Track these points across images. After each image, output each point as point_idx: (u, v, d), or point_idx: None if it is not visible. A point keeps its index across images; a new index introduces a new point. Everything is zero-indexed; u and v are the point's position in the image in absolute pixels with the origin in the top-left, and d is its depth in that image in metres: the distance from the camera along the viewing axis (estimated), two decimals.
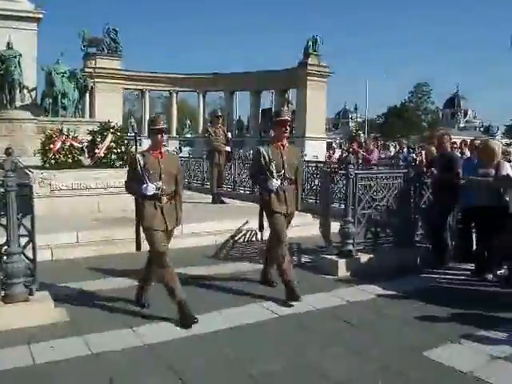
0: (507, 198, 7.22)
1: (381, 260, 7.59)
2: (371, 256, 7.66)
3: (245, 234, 9.93)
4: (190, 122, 61.63)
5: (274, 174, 6.23)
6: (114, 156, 11.52)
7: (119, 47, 49.34)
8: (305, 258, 8.48)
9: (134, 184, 5.57)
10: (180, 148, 45.82)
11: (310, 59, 47.90)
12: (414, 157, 12.47)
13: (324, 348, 4.78)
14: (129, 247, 8.54)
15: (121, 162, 11.53)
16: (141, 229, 5.65)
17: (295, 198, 6.51)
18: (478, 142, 9.04)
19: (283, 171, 6.29)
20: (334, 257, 7.62)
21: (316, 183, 14.13)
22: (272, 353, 4.65)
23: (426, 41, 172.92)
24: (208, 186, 16.13)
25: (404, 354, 4.67)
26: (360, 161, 14.72)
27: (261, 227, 6.75)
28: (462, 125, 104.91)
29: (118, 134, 11.85)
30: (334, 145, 54.69)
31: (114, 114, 31.85)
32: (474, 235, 8.10)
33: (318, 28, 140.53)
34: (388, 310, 5.90)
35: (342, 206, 9.42)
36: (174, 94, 56.16)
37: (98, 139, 11.53)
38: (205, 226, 9.91)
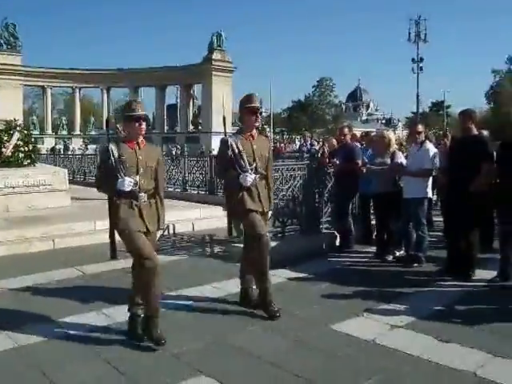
0: (401, 184, 7.84)
1: (290, 246, 8.02)
2: (280, 243, 8.07)
3: None
4: (94, 118, 60.43)
5: (248, 168, 5.48)
6: (21, 154, 11.37)
7: (18, 42, 47.62)
8: (217, 248, 8.81)
9: (106, 180, 4.79)
10: (86, 146, 44.79)
11: (214, 54, 48.22)
12: (317, 149, 13.03)
13: (242, 328, 5.11)
14: (42, 245, 8.60)
15: (29, 161, 11.39)
16: (116, 234, 5.02)
17: (268, 195, 5.76)
18: (374, 133, 9.69)
19: (255, 164, 5.55)
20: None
21: None
22: (194, 334, 4.91)
23: (329, 37, 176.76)
24: None
25: (314, 328, 5.07)
26: None
27: (230, 231, 6.01)
28: (364, 117, 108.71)
29: (25, 132, 11.69)
30: None
31: (14, 111, 30.70)
32: (373, 220, 8.73)
33: (224, 24, 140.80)
34: (298, 291, 6.32)
35: None
36: (77, 91, 54.94)
37: (5, 138, 11.33)
38: None
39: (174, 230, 10.23)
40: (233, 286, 6.31)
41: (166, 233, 9.95)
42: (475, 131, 7.00)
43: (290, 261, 7.41)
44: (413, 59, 46.05)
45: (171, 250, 8.71)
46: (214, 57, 48.12)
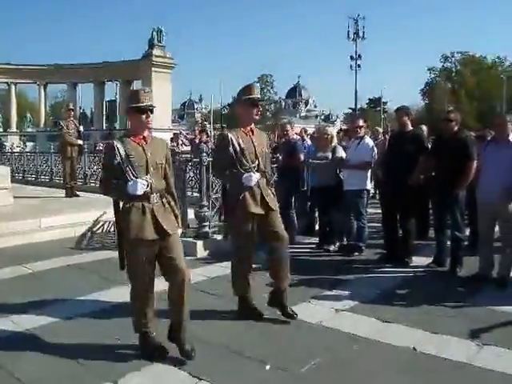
0: (342, 177, 8.17)
1: None
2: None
3: (103, 225, 10.12)
4: (31, 115, 58.80)
5: (250, 167, 5.03)
6: None
7: None
8: None
9: (113, 183, 4.23)
10: (24, 143, 43.54)
11: (154, 50, 47.78)
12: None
13: (191, 314, 5.28)
14: None
15: None
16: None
17: (272, 192, 5.31)
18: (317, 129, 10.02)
19: (257, 162, 5.07)
20: (192, 239, 8.12)
21: None
22: None
23: (267, 32, 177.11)
24: (58, 181, 16.03)
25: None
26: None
27: (226, 235, 5.74)
28: (303, 113, 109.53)
29: None
30: (181, 136, 55.00)
31: None
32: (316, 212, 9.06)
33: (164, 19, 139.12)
34: None
35: (195, 194, 9.96)
36: (13, 86, 53.41)
37: None
38: (63, 219, 9.97)
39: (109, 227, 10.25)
40: None
41: (99, 231, 9.98)
42: (410, 126, 7.41)
43: None
44: (351, 56, 46.94)
45: (109, 245, 8.78)
46: (154, 53, 47.64)
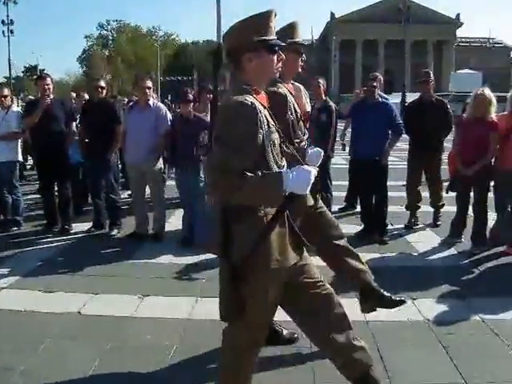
0: None
1: None
2: None
3: None
4: None
5: (303, 139, 3.45)
6: None
7: None
8: None
9: (253, 176, 2.25)
10: None
11: None
12: None
13: None
14: None
15: None
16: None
17: None
18: None
19: (307, 135, 3.55)
20: None
21: None
22: None
23: None
24: None
25: None
26: None
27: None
28: None
29: None
30: None
31: None
32: None
33: None
34: None
35: None
36: None
37: None
38: None
39: None
40: None
41: None
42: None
43: None
44: (2, 21, 44.02)
45: None
46: None
